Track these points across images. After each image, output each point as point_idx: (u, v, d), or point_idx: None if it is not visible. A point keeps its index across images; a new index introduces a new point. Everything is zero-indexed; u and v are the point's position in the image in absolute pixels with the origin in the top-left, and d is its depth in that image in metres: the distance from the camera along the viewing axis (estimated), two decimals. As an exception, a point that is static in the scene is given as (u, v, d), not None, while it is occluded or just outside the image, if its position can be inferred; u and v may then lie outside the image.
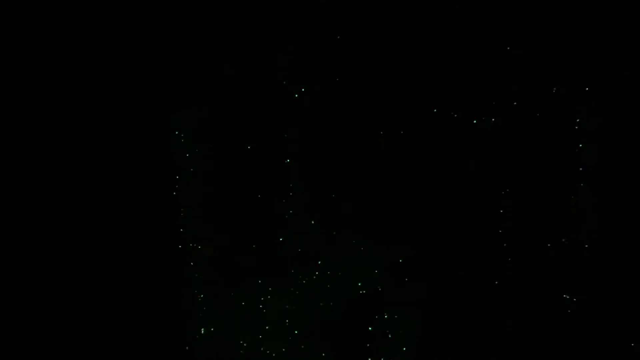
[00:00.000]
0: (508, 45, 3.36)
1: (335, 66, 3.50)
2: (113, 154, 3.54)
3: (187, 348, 3.58)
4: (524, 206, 3.42)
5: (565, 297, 3.37)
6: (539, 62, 3.37)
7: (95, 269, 3.56)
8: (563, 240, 3.36)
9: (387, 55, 3.46)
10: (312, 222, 3.58)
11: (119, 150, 3.55)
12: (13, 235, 3.51)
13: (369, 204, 3.53)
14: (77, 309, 3.54)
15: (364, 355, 3.51)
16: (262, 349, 3.56)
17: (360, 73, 3.50)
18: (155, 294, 3.59)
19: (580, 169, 3.35)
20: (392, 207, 3.50)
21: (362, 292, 3.54)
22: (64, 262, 3.54)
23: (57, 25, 3.47)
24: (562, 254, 3.38)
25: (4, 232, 3.50)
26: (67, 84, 3.52)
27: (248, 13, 3.51)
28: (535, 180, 3.40)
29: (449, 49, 3.42)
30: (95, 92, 3.53)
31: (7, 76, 3.49)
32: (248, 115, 3.57)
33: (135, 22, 3.48)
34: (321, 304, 3.56)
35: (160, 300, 3.60)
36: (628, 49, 3.30)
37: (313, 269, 3.58)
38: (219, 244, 3.62)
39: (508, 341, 3.41)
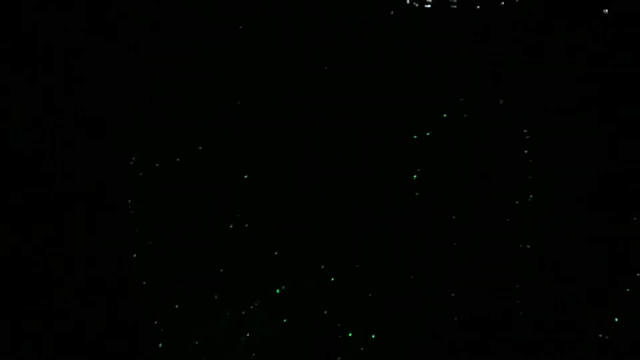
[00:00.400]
0: (457, 56, 3.42)
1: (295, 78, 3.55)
2: (67, 171, 3.54)
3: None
4: (480, 217, 3.46)
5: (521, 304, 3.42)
6: (486, 73, 3.44)
7: (46, 289, 3.53)
8: (521, 246, 3.41)
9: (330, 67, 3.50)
10: (268, 241, 3.60)
11: (73, 167, 3.54)
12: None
13: (332, 219, 3.55)
14: (25, 329, 3.51)
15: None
16: None
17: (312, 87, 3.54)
18: (110, 313, 3.59)
19: (530, 177, 3.41)
20: (354, 223, 3.53)
21: (325, 311, 3.56)
22: (13, 283, 3.52)
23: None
24: (520, 262, 3.43)
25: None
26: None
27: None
28: (490, 191, 3.45)
29: (394, 61, 3.48)
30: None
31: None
32: (204, 131, 3.58)
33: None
34: (284, 320, 3.57)
35: (116, 320, 3.58)
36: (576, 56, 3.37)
37: (273, 286, 3.59)
38: (175, 263, 3.62)
39: (472, 352, 3.44)
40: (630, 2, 3.22)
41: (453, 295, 3.46)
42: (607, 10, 3.29)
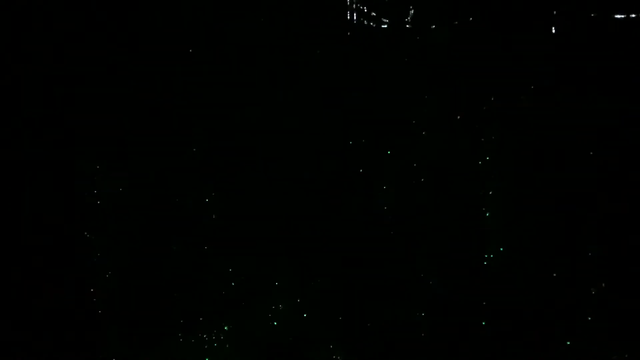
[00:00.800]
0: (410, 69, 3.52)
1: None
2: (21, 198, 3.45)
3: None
4: (441, 233, 3.53)
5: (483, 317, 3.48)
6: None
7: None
8: (483, 255, 3.48)
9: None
10: (230, 269, 3.57)
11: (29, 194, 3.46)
12: None
13: (294, 245, 3.55)
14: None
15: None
16: None
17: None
18: (64, 343, 3.49)
19: (490, 192, 3.50)
20: (316, 249, 3.54)
21: (290, 338, 3.54)
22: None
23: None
24: (479, 275, 3.50)
25: None
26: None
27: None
28: (451, 207, 3.53)
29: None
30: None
31: None
32: (164, 159, 3.55)
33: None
34: (250, 349, 3.53)
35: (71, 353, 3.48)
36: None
37: (234, 316, 3.55)
38: (134, 293, 3.54)
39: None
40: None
41: (418, 314, 3.49)
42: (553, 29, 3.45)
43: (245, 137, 3.56)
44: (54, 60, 3.45)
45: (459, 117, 3.51)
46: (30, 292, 3.47)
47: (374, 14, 3.53)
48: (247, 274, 3.56)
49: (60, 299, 3.49)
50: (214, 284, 3.55)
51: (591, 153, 3.38)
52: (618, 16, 3.38)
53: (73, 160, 3.50)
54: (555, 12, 3.43)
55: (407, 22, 3.51)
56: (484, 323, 3.45)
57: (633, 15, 3.37)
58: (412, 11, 3.50)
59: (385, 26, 3.52)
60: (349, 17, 3.53)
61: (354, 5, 3.52)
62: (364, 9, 3.52)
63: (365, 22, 3.53)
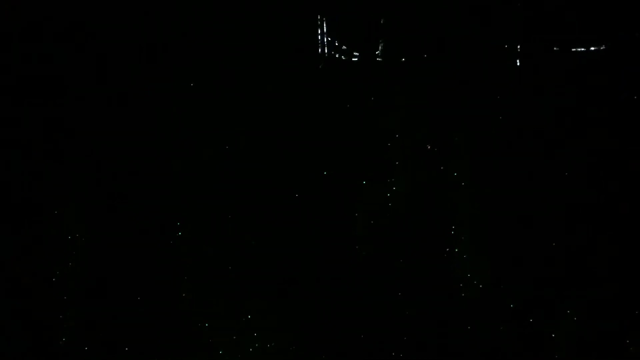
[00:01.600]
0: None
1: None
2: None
3: None
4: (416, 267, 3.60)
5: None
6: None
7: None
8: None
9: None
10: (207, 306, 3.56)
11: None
12: None
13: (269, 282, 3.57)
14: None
15: None
16: None
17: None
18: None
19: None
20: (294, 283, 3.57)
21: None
22: None
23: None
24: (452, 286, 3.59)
25: None
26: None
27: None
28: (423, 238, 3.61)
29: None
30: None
31: None
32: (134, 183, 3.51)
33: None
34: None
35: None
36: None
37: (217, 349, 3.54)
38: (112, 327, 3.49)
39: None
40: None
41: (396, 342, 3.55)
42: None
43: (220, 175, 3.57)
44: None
45: (429, 147, 3.59)
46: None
47: (345, 47, 3.58)
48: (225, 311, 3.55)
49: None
50: (193, 318, 3.54)
51: (562, 184, 3.51)
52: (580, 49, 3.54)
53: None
54: (519, 47, 3.57)
55: (378, 55, 3.58)
56: (458, 347, 3.53)
57: (593, 48, 3.54)
58: (382, 44, 3.57)
59: (357, 59, 3.58)
60: (320, 51, 3.58)
61: (326, 39, 3.57)
62: (335, 43, 3.58)
63: (337, 55, 3.58)
